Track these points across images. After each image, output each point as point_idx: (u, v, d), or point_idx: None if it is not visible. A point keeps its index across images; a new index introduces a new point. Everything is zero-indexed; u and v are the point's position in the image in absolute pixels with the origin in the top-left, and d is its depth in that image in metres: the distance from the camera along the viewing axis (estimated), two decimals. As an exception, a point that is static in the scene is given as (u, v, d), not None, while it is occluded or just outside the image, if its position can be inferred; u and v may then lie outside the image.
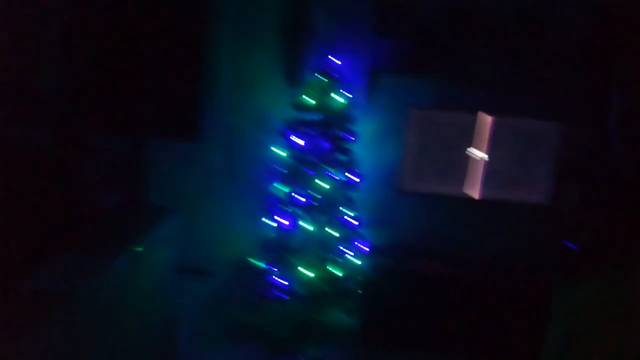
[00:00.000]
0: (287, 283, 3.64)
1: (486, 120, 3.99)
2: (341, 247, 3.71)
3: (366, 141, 3.95)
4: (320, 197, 3.62)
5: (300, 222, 3.62)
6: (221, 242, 4.11)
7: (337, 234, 3.66)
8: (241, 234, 4.10)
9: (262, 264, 3.83)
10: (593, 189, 3.89)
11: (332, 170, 3.63)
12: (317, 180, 3.60)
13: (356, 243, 3.81)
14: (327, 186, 3.60)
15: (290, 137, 3.68)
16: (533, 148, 4.03)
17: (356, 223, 3.78)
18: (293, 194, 3.64)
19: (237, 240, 4.11)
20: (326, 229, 3.63)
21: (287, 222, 3.64)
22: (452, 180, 4.12)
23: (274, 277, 3.69)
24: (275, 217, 3.73)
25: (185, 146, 3.98)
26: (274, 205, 3.76)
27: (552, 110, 3.91)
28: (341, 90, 3.69)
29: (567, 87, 3.80)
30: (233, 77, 4.01)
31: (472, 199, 4.10)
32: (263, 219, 3.81)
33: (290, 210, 3.70)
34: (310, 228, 3.60)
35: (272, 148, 3.79)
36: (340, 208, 3.71)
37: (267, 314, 3.81)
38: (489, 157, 4.02)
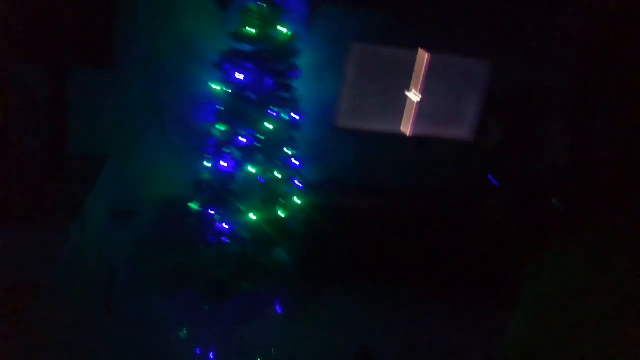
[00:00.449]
0: (227, 226, 3.48)
1: (423, 58, 3.99)
2: (284, 188, 3.59)
3: (305, 76, 3.75)
4: (263, 137, 3.40)
5: (244, 165, 3.40)
6: (151, 183, 3.77)
7: (280, 176, 3.52)
8: (174, 174, 3.79)
9: (196, 207, 3.60)
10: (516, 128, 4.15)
11: (277, 109, 3.42)
12: (261, 121, 3.36)
13: (296, 182, 3.71)
14: (271, 126, 3.38)
15: (228, 71, 3.36)
16: (464, 86, 4.15)
17: (297, 163, 3.67)
18: (234, 134, 3.39)
19: (168, 181, 3.80)
20: (270, 171, 3.46)
21: (225, 164, 3.41)
22: (389, 118, 4.14)
23: (213, 220, 3.50)
24: (211, 158, 3.48)
25: (101, 76, 3.46)
26: (210, 145, 3.49)
27: (484, 49, 4.01)
28: (283, 21, 3.39)
29: (499, 28, 3.89)
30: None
31: (405, 136, 4.18)
32: (199, 160, 3.53)
33: (228, 151, 3.46)
34: (253, 171, 3.40)
35: (209, 83, 3.44)
36: (284, 149, 3.54)
37: (205, 257, 3.66)
38: (423, 95, 4.07)
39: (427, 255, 4.00)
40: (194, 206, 3.58)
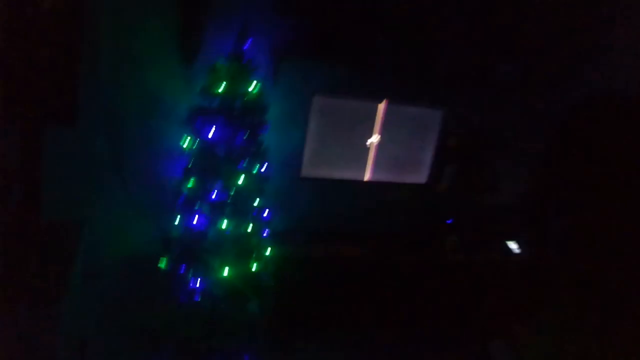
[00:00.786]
0: (199, 285, 3.39)
1: (381, 108, 4.17)
2: (256, 241, 3.57)
3: (270, 128, 3.79)
4: (233, 193, 3.39)
5: (215, 221, 3.36)
6: (118, 243, 3.62)
7: (251, 229, 3.50)
8: (141, 233, 3.66)
9: (164, 266, 3.49)
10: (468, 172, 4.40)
11: (247, 164, 3.43)
12: (231, 175, 3.36)
13: (265, 235, 3.70)
14: (242, 181, 3.38)
15: (197, 127, 3.34)
16: (418, 133, 4.37)
17: (266, 215, 3.67)
18: (204, 189, 3.35)
19: (135, 240, 3.66)
20: (241, 225, 3.44)
21: (195, 222, 3.36)
22: (351, 166, 4.26)
23: (184, 279, 3.40)
24: (180, 215, 3.42)
25: (64, 135, 3.32)
26: (180, 202, 3.42)
27: (438, 99, 4.26)
28: (250, 77, 3.44)
29: (451, 78, 4.17)
30: (118, 54, 3.44)
31: (364, 182, 4.31)
32: (167, 218, 3.45)
33: (197, 208, 3.41)
34: (225, 226, 3.37)
35: (177, 139, 3.40)
36: (254, 203, 3.54)
37: (176, 317, 3.53)
38: (380, 142, 4.24)
39: (398, 296, 4.10)
40: (162, 266, 3.47)
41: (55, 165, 3.27)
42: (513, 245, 4.45)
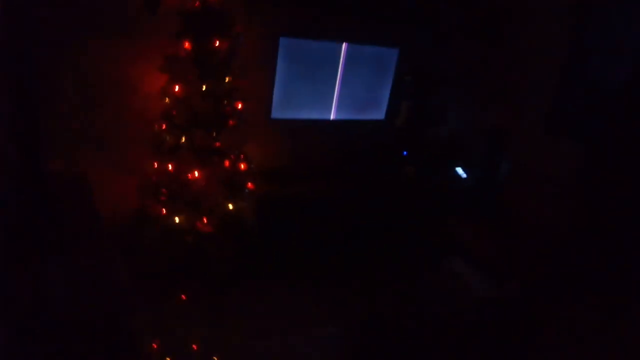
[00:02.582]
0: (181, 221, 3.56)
1: (344, 48, 4.37)
2: (237, 182, 3.74)
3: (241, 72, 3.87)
4: (217, 134, 3.52)
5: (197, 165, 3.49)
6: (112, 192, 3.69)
7: (233, 170, 3.67)
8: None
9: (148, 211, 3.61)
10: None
11: (230, 106, 3.55)
12: (215, 118, 3.47)
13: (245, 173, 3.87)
14: (226, 122, 3.52)
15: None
16: (378, 72, 4.64)
17: (242, 157, 3.82)
18: (191, 133, 3.46)
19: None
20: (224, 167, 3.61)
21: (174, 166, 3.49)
22: (318, 106, 4.47)
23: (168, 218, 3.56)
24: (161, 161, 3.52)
25: None
26: (156, 148, 3.52)
27: (395, 38, 4.52)
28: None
29: (407, 18, 4.42)
30: None
31: (329, 120, 4.57)
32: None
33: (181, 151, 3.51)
34: (206, 170, 3.52)
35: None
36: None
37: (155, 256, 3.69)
38: (342, 82, 4.47)
39: (368, 226, 4.52)
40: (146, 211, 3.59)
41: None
42: (461, 171, 4.96)
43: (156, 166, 3.58)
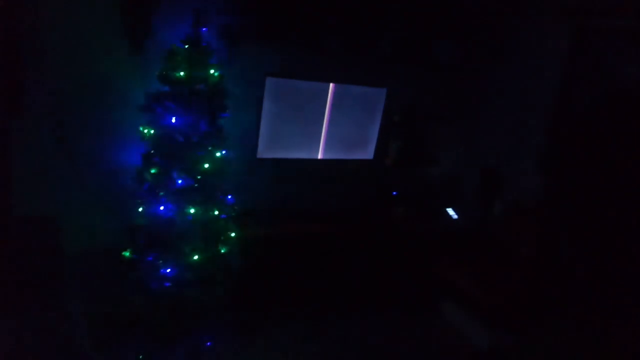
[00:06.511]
0: (170, 270, 3.41)
1: (331, 88, 4.33)
2: (222, 224, 3.62)
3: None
4: (199, 177, 3.41)
5: (182, 207, 3.37)
6: (79, 234, 3.51)
7: (218, 213, 3.55)
8: (103, 223, 3.57)
9: (128, 254, 3.45)
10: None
11: (211, 148, 3.45)
12: (196, 161, 3.37)
13: (229, 217, 3.75)
14: (207, 165, 3.40)
15: (157, 113, 3.30)
16: (366, 111, 4.59)
17: (230, 197, 3.72)
18: (168, 176, 3.34)
19: (97, 230, 3.57)
20: (209, 210, 3.48)
21: (162, 208, 3.36)
22: (305, 145, 4.39)
23: (154, 266, 3.40)
24: (145, 203, 3.39)
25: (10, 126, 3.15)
26: (144, 189, 3.39)
27: (382, 78, 4.50)
28: (209, 61, 3.43)
29: (394, 58, 4.41)
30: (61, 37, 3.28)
31: (317, 160, 4.48)
32: (131, 206, 3.40)
33: (162, 194, 3.39)
34: (192, 211, 3.39)
35: (137, 126, 3.34)
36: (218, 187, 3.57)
37: (143, 304, 3.52)
38: (330, 121, 4.41)
39: (355, 267, 4.36)
40: (127, 254, 3.44)
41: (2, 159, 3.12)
42: (452, 212, 4.86)
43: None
